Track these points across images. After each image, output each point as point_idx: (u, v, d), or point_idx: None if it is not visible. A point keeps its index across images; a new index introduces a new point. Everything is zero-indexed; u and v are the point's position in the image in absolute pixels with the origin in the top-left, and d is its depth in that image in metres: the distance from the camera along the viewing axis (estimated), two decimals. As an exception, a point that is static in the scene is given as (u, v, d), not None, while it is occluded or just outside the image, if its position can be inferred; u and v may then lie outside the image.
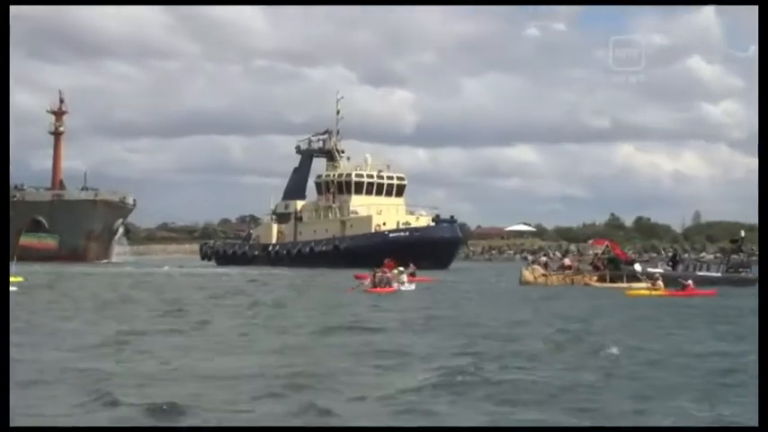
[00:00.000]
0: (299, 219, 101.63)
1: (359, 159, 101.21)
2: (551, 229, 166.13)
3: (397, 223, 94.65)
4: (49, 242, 58.36)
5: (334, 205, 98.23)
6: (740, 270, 55.13)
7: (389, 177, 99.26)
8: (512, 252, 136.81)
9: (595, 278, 54.30)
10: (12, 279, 52.24)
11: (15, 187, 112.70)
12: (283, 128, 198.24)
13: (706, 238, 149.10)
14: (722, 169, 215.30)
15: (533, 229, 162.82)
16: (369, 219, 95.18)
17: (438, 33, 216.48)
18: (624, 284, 50.19)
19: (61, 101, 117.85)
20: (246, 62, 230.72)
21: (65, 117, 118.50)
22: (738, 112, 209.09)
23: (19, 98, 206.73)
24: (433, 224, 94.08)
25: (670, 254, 74.90)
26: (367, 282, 47.92)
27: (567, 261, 60.02)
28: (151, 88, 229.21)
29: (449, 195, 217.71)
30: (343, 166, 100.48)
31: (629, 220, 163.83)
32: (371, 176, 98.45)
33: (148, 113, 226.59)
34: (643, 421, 13.45)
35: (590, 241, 70.24)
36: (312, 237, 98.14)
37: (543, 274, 55.72)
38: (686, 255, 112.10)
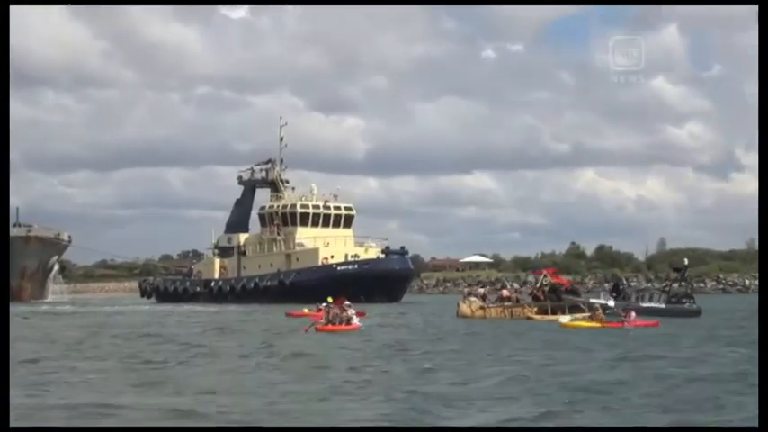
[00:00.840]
0: (242, 253, 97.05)
1: (305, 189, 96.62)
2: (509, 259, 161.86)
3: (346, 256, 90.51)
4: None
5: (278, 238, 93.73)
6: (683, 300, 54.40)
7: (337, 208, 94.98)
8: (467, 284, 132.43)
9: (535, 310, 51.17)
10: None
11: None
12: (228, 158, 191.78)
13: (669, 266, 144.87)
14: (688, 195, 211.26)
15: (490, 260, 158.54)
16: (315, 251, 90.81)
17: (391, 57, 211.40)
18: (566, 315, 46.37)
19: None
20: (187, 89, 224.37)
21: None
22: (705, 135, 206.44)
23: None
24: (383, 256, 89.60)
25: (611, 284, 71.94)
26: (321, 320, 42.38)
27: (505, 292, 56.42)
28: (88, 119, 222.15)
29: (402, 226, 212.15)
30: (288, 197, 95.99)
31: (590, 249, 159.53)
32: (318, 207, 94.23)
33: (85, 145, 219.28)
34: None
35: (531, 272, 67.24)
36: (257, 271, 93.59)
37: (481, 307, 52.60)
38: (633, 283, 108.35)
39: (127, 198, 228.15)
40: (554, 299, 51.61)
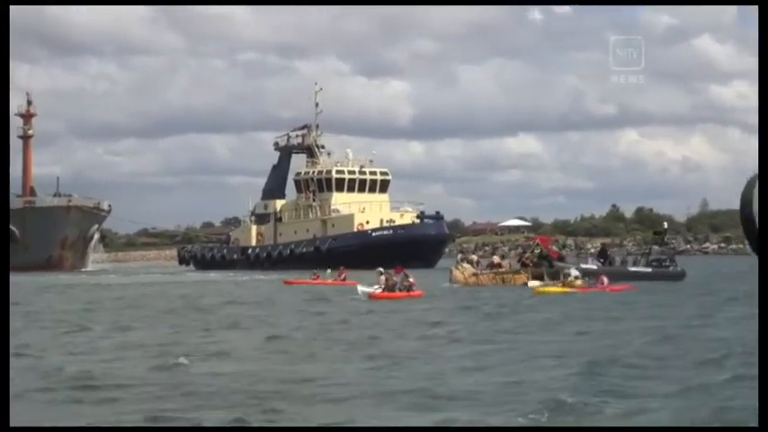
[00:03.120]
0: (278, 219, 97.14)
1: (348, 154, 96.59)
2: (550, 223, 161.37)
3: (381, 221, 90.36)
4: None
5: (314, 204, 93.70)
6: (664, 264, 54.42)
7: (372, 173, 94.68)
8: (506, 248, 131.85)
9: (529, 276, 50.28)
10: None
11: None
12: (272, 124, 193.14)
13: (710, 227, 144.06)
14: (733, 155, 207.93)
15: (529, 224, 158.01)
16: (351, 217, 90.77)
17: (436, 21, 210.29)
18: (558, 282, 45.82)
19: (29, 102, 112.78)
20: (232, 56, 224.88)
21: (33, 120, 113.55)
22: (752, 95, 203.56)
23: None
24: (418, 221, 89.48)
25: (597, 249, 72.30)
26: (375, 287, 42.07)
27: (496, 259, 56.03)
28: (132, 87, 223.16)
29: (446, 190, 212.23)
30: (324, 163, 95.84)
31: (631, 212, 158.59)
32: (353, 172, 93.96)
33: (130, 113, 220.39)
34: None
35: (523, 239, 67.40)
36: (293, 238, 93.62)
37: (474, 273, 51.92)
38: (626, 247, 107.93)
39: (171, 166, 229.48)
40: (546, 265, 50.80)
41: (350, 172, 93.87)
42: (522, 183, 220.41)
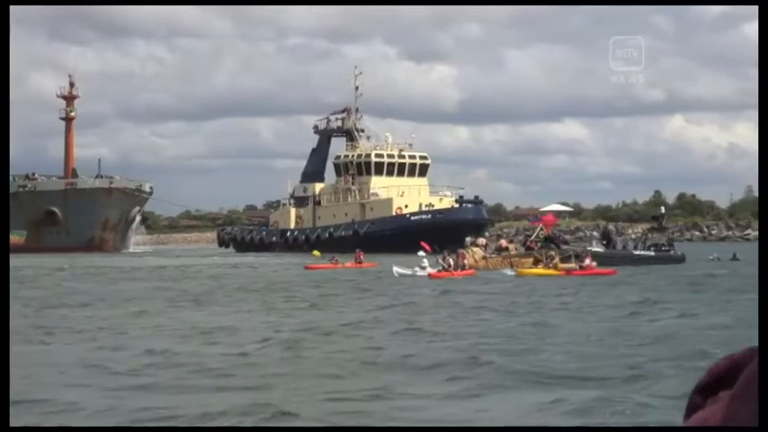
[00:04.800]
0: (317, 202, 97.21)
1: (395, 138, 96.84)
2: (592, 208, 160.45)
3: (420, 205, 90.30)
4: (16, 238, 54.05)
5: (353, 187, 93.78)
6: (662, 248, 56.09)
7: (411, 157, 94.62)
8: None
9: (534, 259, 50.22)
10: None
11: (27, 177, 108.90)
12: (319, 108, 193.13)
13: (752, 214, 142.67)
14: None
15: (570, 209, 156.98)
16: (389, 201, 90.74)
17: (483, 6, 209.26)
18: (572, 264, 46.30)
19: (71, 84, 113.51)
20: (280, 40, 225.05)
21: (76, 102, 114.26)
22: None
23: (38, 82, 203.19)
24: (456, 206, 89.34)
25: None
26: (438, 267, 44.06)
27: (503, 243, 56.36)
28: (180, 70, 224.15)
29: (490, 174, 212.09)
30: (363, 146, 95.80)
31: (674, 198, 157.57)
32: (392, 156, 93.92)
33: (177, 96, 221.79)
34: None
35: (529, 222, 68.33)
36: (331, 221, 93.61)
37: (483, 257, 52.62)
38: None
39: (216, 148, 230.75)
40: (554, 248, 51.03)
41: (389, 156, 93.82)
42: (567, 168, 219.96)
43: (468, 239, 55.34)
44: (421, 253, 48.34)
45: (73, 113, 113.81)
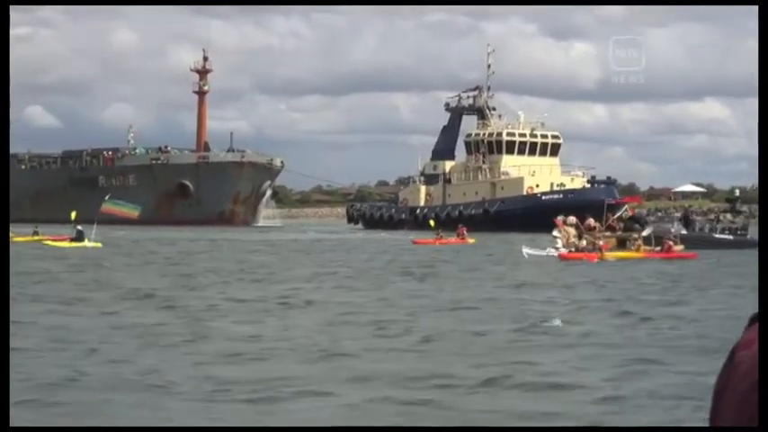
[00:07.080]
0: (447, 180, 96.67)
1: (530, 116, 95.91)
2: (726, 189, 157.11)
3: (551, 185, 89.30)
4: (130, 212, 54.60)
5: (484, 166, 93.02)
6: (737, 232, 55.92)
7: (543, 136, 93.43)
8: (678, 214, 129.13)
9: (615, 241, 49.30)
10: (92, 244, 48.64)
11: (160, 149, 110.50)
12: (456, 85, 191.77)
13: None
14: None
15: (702, 190, 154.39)
16: (520, 180, 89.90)
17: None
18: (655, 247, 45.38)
19: (205, 59, 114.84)
20: (420, 17, 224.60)
21: (209, 75, 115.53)
22: None
23: (177, 57, 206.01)
24: (588, 186, 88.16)
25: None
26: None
27: (591, 222, 54.38)
28: (319, 45, 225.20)
29: (627, 154, 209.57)
30: (494, 125, 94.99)
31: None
32: (524, 135, 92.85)
33: (315, 71, 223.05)
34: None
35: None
36: (461, 199, 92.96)
37: (575, 236, 50.30)
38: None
39: (353, 123, 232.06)
40: (638, 228, 50.46)
41: (521, 135, 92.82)
42: (706, 148, 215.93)
43: (559, 218, 53.20)
44: (555, 232, 47.39)
45: (206, 87, 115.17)
